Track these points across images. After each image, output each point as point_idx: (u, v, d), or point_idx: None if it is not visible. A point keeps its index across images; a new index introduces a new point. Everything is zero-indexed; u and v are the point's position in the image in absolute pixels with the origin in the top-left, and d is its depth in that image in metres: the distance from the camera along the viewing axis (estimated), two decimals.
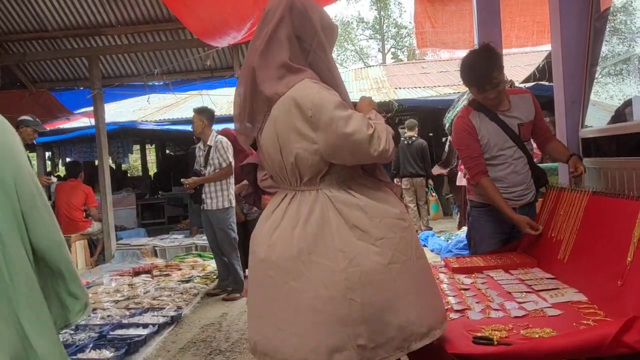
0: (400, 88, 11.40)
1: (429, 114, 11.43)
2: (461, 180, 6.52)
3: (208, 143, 5.35)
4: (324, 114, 1.63)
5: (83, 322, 4.26)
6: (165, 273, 6.21)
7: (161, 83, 8.53)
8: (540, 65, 8.43)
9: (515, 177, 2.89)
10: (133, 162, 19.20)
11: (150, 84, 8.49)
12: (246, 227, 5.71)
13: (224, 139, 5.38)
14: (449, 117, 4.90)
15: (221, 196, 5.30)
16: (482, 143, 2.87)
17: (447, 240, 6.90)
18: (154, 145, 14.77)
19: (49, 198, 8.52)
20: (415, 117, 13.51)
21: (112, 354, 3.60)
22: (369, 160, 1.70)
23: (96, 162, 8.61)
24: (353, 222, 1.67)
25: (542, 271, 2.46)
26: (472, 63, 2.81)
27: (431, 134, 12.72)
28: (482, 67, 2.74)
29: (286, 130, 1.69)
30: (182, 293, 5.26)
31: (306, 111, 1.64)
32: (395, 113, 10.78)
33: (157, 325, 4.18)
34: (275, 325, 1.68)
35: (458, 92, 7.87)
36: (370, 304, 1.60)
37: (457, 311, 2.01)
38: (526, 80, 8.71)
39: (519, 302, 2.04)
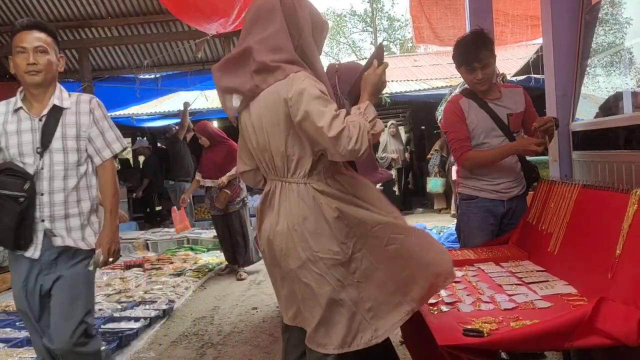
0: (392, 81, 11.39)
1: (421, 107, 11.43)
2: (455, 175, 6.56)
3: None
4: (302, 105, 1.68)
5: None
6: (157, 267, 6.20)
7: (152, 75, 8.47)
8: (532, 59, 8.45)
9: (503, 168, 2.89)
10: (124, 154, 19.06)
11: (141, 76, 8.43)
12: (228, 219, 5.73)
13: None
14: (441, 110, 4.91)
15: None
16: (470, 128, 2.88)
17: (439, 234, 6.92)
18: (145, 138, 14.67)
19: None
20: (407, 111, 13.54)
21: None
22: (338, 159, 1.73)
23: None
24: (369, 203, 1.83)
25: (533, 264, 2.47)
26: (462, 41, 2.89)
27: (423, 127, 12.73)
28: (470, 44, 2.81)
29: (272, 122, 1.78)
30: (173, 287, 5.25)
31: (288, 101, 1.71)
32: (388, 106, 10.81)
33: (148, 319, 4.17)
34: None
35: (450, 86, 7.88)
36: (415, 269, 1.83)
37: (448, 304, 2.01)
38: (518, 74, 8.72)
39: (509, 295, 2.05)
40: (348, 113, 1.74)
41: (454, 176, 6.85)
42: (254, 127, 1.85)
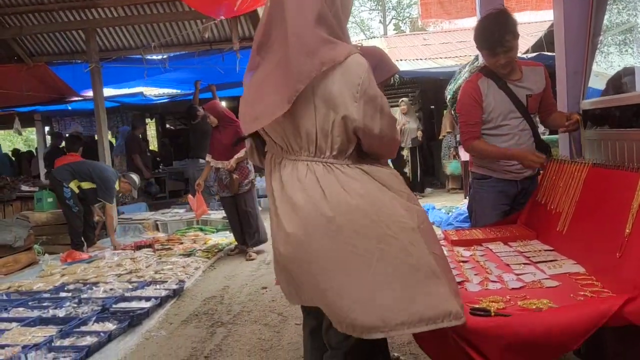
0: (401, 60, 11.27)
1: (430, 86, 11.34)
2: (466, 155, 6.49)
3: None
4: (370, 88, 1.62)
5: (86, 296, 4.31)
6: (167, 247, 6.25)
7: (159, 56, 8.44)
8: (543, 35, 8.32)
9: (518, 147, 2.87)
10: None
11: (148, 57, 8.40)
12: (238, 200, 5.76)
13: None
14: (450, 89, 4.86)
15: None
16: (487, 111, 2.85)
17: (448, 213, 6.92)
18: (154, 120, 14.71)
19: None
20: (416, 90, 13.42)
21: (115, 326, 3.65)
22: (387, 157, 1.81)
23: (96, 137, 8.59)
24: (396, 188, 1.71)
25: (541, 243, 2.47)
26: (486, 25, 2.79)
27: (432, 106, 12.64)
28: (495, 29, 2.71)
29: (325, 100, 1.62)
30: (183, 267, 5.30)
31: (355, 80, 1.60)
32: (396, 86, 10.71)
33: (159, 298, 4.22)
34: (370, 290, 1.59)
35: (460, 64, 7.79)
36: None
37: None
38: (530, 51, 8.60)
39: (517, 274, 2.05)
40: None
41: (463, 156, 6.82)
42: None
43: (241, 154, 5.58)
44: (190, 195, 6.95)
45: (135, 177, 6.94)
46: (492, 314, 1.66)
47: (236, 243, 6.11)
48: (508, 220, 2.92)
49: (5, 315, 3.97)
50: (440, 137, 10.27)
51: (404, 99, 10.53)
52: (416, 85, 13.07)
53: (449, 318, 1.57)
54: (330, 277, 1.62)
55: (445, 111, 10.35)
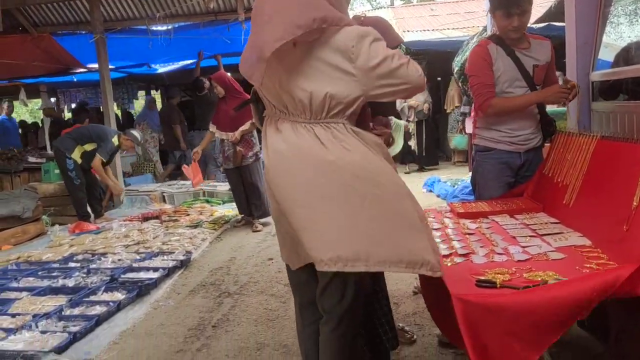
0: (408, 31, 11.12)
1: (437, 58, 11.18)
2: (470, 128, 6.43)
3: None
4: (364, 44, 1.68)
5: (95, 266, 4.37)
6: (173, 218, 6.30)
7: (165, 27, 8.36)
8: (553, 6, 8.16)
9: (522, 119, 2.85)
10: (139, 108, 19.09)
11: (154, 28, 8.32)
12: (242, 172, 5.77)
13: None
14: (458, 61, 4.79)
15: None
16: (495, 75, 2.83)
17: (453, 186, 6.92)
18: (159, 91, 14.63)
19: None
20: (423, 61, 13.23)
21: (124, 296, 3.71)
22: (411, 92, 1.79)
23: (102, 109, 8.57)
24: (360, 156, 1.75)
25: (547, 216, 2.47)
26: None
27: (439, 78, 12.49)
28: None
29: (320, 64, 1.71)
30: (190, 238, 5.35)
31: (348, 43, 1.68)
32: None
33: (167, 269, 4.28)
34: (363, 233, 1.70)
35: (467, 35, 7.67)
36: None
37: (461, 255, 2.03)
38: (538, 21, 8.45)
39: (523, 247, 2.06)
40: None
41: (468, 129, 6.76)
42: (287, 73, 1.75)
43: (246, 126, 5.56)
44: (185, 165, 6.92)
45: (136, 133, 6.89)
46: (498, 285, 1.68)
47: (242, 215, 6.14)
48: (514, 192, 2.91)
49: (15, 284, 4.04)
50: (448, 111, 10.17)
51: None
52: (423, 57, 12.90)
53: (426, 267, 1.69)
54: (324, 208, 1.71)
55: (452, 83, 10.21)
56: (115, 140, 6.51)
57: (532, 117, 2.88)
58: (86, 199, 6.57)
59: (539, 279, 1.70)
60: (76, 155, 6.34)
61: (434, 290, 1.92)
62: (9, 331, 3.09)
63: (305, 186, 1.74)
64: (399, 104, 9.69)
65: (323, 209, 1.72)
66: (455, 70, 4.88)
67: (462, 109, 9.05)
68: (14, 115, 12.20)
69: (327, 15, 1.67)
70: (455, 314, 1.56)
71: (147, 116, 9.83)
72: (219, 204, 7.31)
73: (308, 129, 1.76)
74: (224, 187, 7.70)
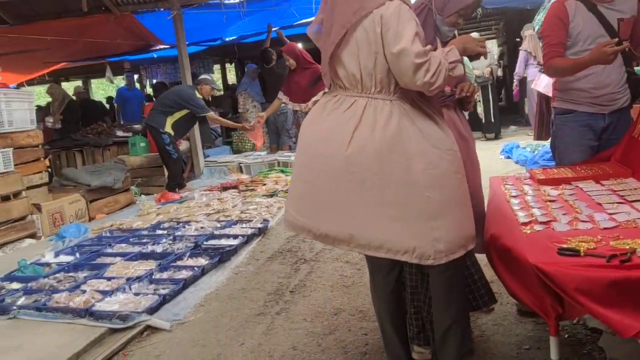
0: None
1: (515, 17, 10.64)
2: (537, 85, 6.03)
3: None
4: (396, 23, 1.79)
5: (179, 233, 4.62)
6: (250, 188, 6.50)
7: (237, 0, 8.47)
8: None
9: (605, 76, 2.67)
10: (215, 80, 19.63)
11: (227, 1, 8.46)
12: None
13: None
14: (539, 20, 4.56)
15: None
16: (573, 34, 2.67)
17: (533, 152, 6.64)
18: (233, 64, 14.94)
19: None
20: (500, 22, 12.63)
21: (207, 261, 3.90)
22: (412, 87, 1.84)
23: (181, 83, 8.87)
24: (427, 131, 1.89)
25: (637, 181, 2.33)
26: None
27: (518, 39, 11.89)
28: None
29: (366, 38, 1.85)
30: (267, 207, 5.51)
31: (382, 25, 1.81)
32: (478, 18, 10.14)
33: (246, 236, 4.45)
34: (363, 216, 1.86)
35: None
36: (442, 202, 1.84)
37: (541, 223, 1.96)
38: None
39: (610, 214, 1.96)
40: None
41: (535, 86, 6.35)
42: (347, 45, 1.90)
43: (318, 96, 5.58)
44: (248, 128, 6.96)
45: (206, 75, 7.16)
46: (582, 254, 1.62)
47: None
48: (600, 157, 2.76)
49: (109, 250, 4.35)
50: (525, 74, 9.67)
51: (473, 33, 9.92)
52: (500, 16, 12.31)
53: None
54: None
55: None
56: (197, 92, 6.78)
57: (617, 75, 2.68)
58: (182, 171, 6.92)
59: (627, 247, 1.62)
60: (168, 128, 6.66)
61: (503, 259, 1.88)
62: (105, 293, 3.35)
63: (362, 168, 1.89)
64: None
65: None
66: (535, 30, 4.63)
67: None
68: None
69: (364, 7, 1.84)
70: (534, 282, 1.53)
71: (248, 85, 9.77)
72: None
73: (357, 102, 1.93)
74: None
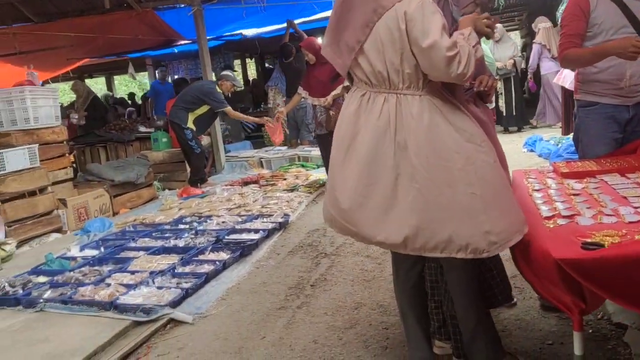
0: None
1: (539, 9, 10.46)
2: (561, 80, 5.92)
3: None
4: (422, 19, 1.77)
5: (201, 228, 4.66)
6: (271, 183, 6.53)
7: None
8: None
9: (629, 67, 2.61)
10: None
11: None
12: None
13: None
14: (562, 11, 4.46)
15: None
16: (595, 24, 2.61)
17: (557, 145, 6.53)
18: (253, 59, 14.99)
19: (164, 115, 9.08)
20: (523, 13, 12.43)
21: (228, 255, 3.94)
22: (445, 80, 1.85)
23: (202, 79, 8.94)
24: (459, 125, 1.88)
25: None
26: None
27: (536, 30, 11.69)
28: None
29: (390, 36, 1.84)
30: (287, 201, 5.53)
31: (406, 22, 1.79)
32: (501, 10, 9.99)
33: (267, 231, 4.47)
34: (413, 221, 1.86)
35: None
36: (486, 195, 1.83)
37: (565, 217, 1.94)
38: None
39: (635, 207, 1.93)
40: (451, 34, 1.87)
41: (558, 81, 6.23)
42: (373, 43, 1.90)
43: (337, 90, 5.55)
44: (269, 123, 6.98)
45: (228, 72, 7.23)
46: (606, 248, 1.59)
47: None
48: (625, 149, 2.71)
49: (133, 244, 4.42)
50: None
51: (497, 25, 9.71)
52: (523, 7, 12.13)
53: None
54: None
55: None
56: (217, 88, 6.85)
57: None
58: (204, 166, 7.00)
59: None
60: (190, 123, 6.74)
61: (526, 254, 1.86)
62: (129, 286, 3.41)
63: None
64: None
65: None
66: (559, 21, 4.56)
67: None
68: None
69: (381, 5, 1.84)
70: (557, 277, 1.52)
71: (279, 80, 9.81)
72: (314, 168, 7.45)
73: (387, 99, 1.93)
74: (318, 151, 7.82)
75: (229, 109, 6.81)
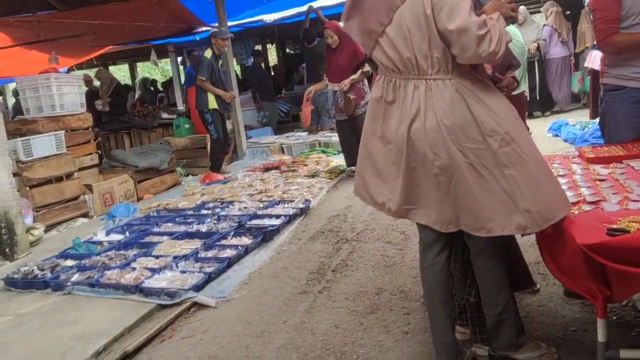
0: None
1: None
2: (590, 62, 5.77)
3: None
4: (444, 9, 1.76)
5: (224, 213, 4.71)
6: (292, 169, 6.55)
7: None
8: None
9: None
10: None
11: None
12: (354, 123, 5.67)
13: None
14: None
15: None
16: (626, 5, 2.53)
17: (583, 129, 6.40)
18: (274, 45, 14.96)
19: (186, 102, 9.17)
20: None
21: (250, 240, 3.98)
22: (476, 60, 1.83)
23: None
24: (492, 105, 1.86)
25: None
26: None
27: (568, 12, 11.41)
28: None
29: (416, 21, 1.82)
30: (308, 187, 5.55)
31: (432, 6, 1.78)
32: None
33: (288, 216, 4.50)
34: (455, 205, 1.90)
35: None
36: (523, 175, 1.82)
37: (590, 203, 1.91)
38: None
39: None
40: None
41: (589, 64, 6.09)
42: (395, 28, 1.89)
43: (356, 75, 5.48)
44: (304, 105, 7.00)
45: (214, 29, 7.28)
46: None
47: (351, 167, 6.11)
48: None
49: (157, 229, 4.49)
50: (578, 50, 9.24)
51: (522, 7, 9.50)
52: None
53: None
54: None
55: (582, 19, 9.22)
56: (207, 53, 6.91)
57: None
58: (221, 153, 7.07)
59: None
60: (212, 104, 6.86)
61: (550, 240, 1.84)
62: (154, 271, 3.47)
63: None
64: None
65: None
66: (586, 4, 4.44)
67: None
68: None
69: None
70: (582, 264, 1.50)
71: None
72: (335, 154, 7.43)
73: (417, 86, 1.92)
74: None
75: (200, 79, 6.81)
